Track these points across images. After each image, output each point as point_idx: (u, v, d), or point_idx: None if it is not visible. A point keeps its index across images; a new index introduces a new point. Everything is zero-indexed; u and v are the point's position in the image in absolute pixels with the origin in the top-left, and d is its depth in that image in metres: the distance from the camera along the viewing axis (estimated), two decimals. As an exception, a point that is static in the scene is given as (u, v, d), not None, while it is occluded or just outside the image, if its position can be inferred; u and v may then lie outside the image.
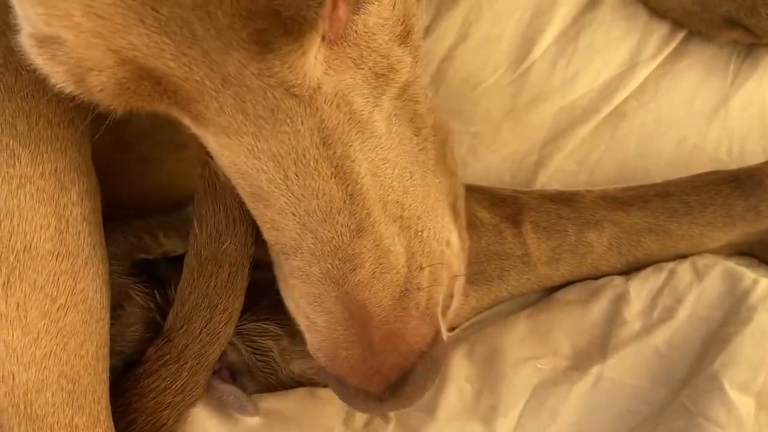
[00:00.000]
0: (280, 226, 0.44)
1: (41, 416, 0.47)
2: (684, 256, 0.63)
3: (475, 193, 0.62)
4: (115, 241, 0.57)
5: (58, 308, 0.47)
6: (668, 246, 0.63)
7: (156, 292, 0.59)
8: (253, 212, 0.46)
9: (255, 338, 0.59)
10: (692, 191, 0.62)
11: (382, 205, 0.45)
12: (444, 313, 0.50)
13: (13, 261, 0.45)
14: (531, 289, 0.64)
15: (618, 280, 0.63)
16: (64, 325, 0.47)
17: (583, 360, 0.59)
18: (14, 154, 0.45)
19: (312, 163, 0.42)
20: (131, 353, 0.57)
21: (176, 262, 0.60)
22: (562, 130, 0.70)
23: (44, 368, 0.47)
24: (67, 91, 0.41)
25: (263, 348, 0.59)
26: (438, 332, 0.47)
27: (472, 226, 0.60)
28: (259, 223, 0.46)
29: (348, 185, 0.43)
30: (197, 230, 0.54)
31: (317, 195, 0.42)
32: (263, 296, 0.61)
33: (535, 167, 0.70)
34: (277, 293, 0.60)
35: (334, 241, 0.43)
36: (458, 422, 0.58)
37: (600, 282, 0.63)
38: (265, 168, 0.42)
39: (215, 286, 0.54)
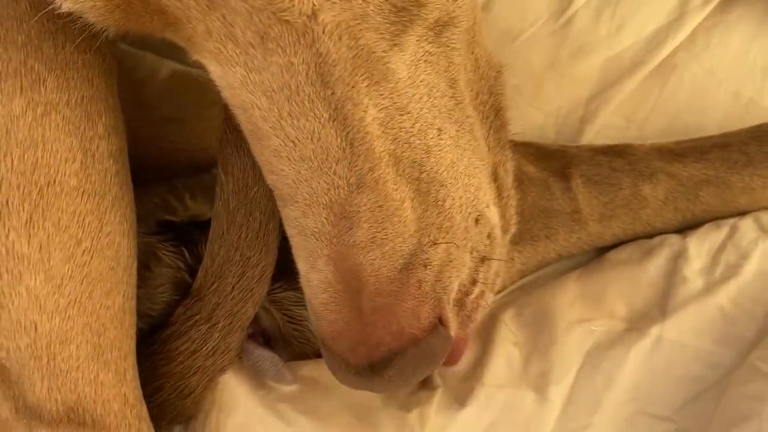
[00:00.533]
0: (276, 170, 0.42)
1: (65, 371, 0.46)
2: (742, 214, 0.62)
3: (519, 147, 0.61)
4: (137, 201, 0.57)
5: (83, 252, 0.45)
6: (727, 200, 0.61)
7: (185, 250, 0.57)
8: (254, 152, 0.44)
9: (290, 307, 0.58)
10: (752, 141, 0.62)
11: (394, 162, 0.41)
12: (461, 303, 0.46)
13: (37, 197, 0.44)
14: (580, 249, 0.63)
15: (674, 238, 0.62)
16: (90, 271, 0.46)
17: (640, 321, 0.58)
18: (40, 78, 0.44)
19: (307, 103, 0.39)
20: (158, 316, 0.56)
21: (204, 226, 0.59)
22: (609, 84, 0.69)
23: (68, 318, 0.46)
24: (64, 8, 0.39)
25: (299, 317, 0.58)
26: (440, 320, 0.44)
27: (517, 182, 0.58)
28: (260, 166, 0.44)
29: (348, 132, 0.40)
30: (223, 178, 0.53)
31: (312, 139, 0.40)
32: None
33: (580, 123, 0.69)
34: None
35: (329, 194, 0.40)
36: (508, 389, 0.56)
37: (654, 240, 0.62)
38: (259, 104, 0.40)
39: (246, 237, 0.53)
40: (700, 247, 0.60)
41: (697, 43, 0.69)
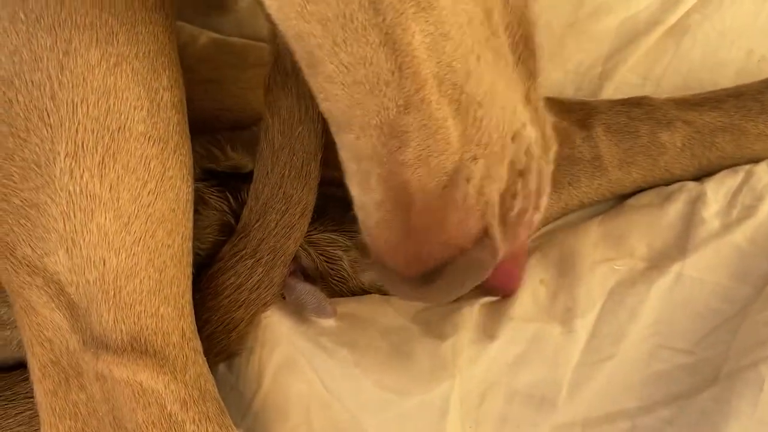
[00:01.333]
0: (330, 96, 0.46)
1: (129, 304, 0.51)
2: (757, 161, 0.67)
3: (540, 102, 0.66)
4: (185, 151, 0.62)
5: (149, 193, 0.51)
6: (743, 147, 0.66)
7: (229, 195, 0.63)
8: (308, 82, 0.48)
9: (326, 247, 0.64)
10: (767, 90, 0.67)
11: (437, 84, 0.45)
12: (504, 218, 0.50)
13: (108, 141, 0.49)
14: (602, 195, 0.68)
15: (692, 184, 0.67)
16: (153, 212, 0.51)
17: (660, 260, 0.63)
18: (113, 32, 0.49)
19: (360, 30, 0.43)
20: (205, 256, 0.61)
21: (245, 177, 0.65)
22: (625, 43, 0.74)
23: (133, 255, 0.51)
24: None
25: (334, 257, 0.64)
26: (485, 232, 0.48)
27: None
28: (315, 95, 0.48)
29: (397, 56, 0.44)
30: (270, 119, 0.58)
31: (365, 64, 0.44)
32: (330, 209, 0.65)
33: (599, 80, 0.74)
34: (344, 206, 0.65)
35: (380, 115, 0.45)
36: (535, 323, 0.61)
37: (673, 187, 0.67)
38: (315, 32, 0.43)
39: (289, 175, 0.58)
40: (717, 191, 0.65)
41: (710, 5, 0.74)
